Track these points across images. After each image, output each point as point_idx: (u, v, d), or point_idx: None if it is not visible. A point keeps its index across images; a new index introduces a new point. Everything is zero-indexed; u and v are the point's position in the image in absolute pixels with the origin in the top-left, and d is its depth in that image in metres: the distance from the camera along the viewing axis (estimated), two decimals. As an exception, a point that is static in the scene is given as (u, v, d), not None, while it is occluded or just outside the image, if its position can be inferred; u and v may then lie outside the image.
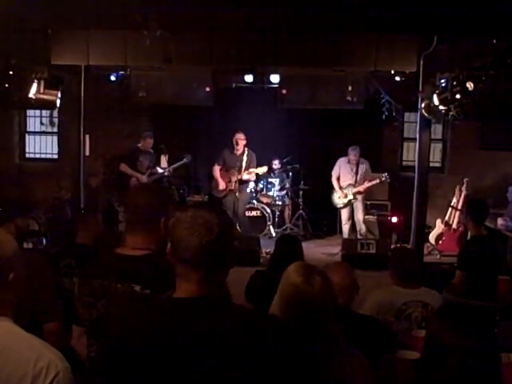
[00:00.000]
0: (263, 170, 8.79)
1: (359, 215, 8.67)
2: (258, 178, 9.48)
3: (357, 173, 8.63)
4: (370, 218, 9.02)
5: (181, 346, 1.50)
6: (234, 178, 8.62)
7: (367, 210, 8.96)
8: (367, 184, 8.58)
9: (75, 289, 2.31)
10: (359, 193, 8.63)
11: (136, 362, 1.52)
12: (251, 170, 8.65)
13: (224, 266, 1.64)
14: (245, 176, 8.63)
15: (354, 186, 8.60)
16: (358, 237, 8.50)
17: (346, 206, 8.71)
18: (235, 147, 8.64)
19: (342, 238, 8.58)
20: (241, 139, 8.60)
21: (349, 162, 8.66)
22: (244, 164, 8.62)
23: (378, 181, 8.59)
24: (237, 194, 8.63)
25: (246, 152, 8.67)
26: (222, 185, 8.67)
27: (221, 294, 1.62)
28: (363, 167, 8.67)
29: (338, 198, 8.72)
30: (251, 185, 9.25)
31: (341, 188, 8.68)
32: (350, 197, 8.63)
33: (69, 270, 3.94)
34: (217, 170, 8.74)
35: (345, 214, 8.78)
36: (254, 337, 1.52)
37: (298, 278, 2.29)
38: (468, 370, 1.76)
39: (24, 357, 1.51)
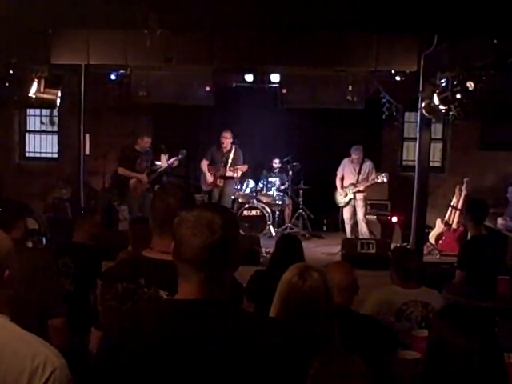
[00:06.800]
0: (243, 168, 9.02)
1: (359, 214, 8.71)
2: (258, 176, 9.54)
3: (359, 172, 8.69)
4: (371, 217, 9.05)
5: (178, 348, 1.48)
6: (218, 174, 8.92)
7: (368, 210, 8.97)
8: (366, 183, 8.62)
9: (97, 291, 2.22)
10: (359, 192, 8.65)
11: (132, 364, 1.50)
12: (238, 167, 8.91)
13: (227, 268, 1.61)
14: (229, 172, 8.89)
15: (355, 185, 8.64)
16: (359, 236, 8.51)
17: (346, 204, 8.78)
18: (221, 145, 8.89)
19: (342, 237, 8.58)
20: (226, 138, 8.86)
21: (352, 161, 8.74)
22: (230, 161, 8.89)
23: (376, 181, 8.60)
24: (223, 188, 8.90)
25: (234, 150, 8.85)
26: (209, 178, 8.96)
27: (222, 296, 1.59)
28: (366, 167, 8.71)
29: (340, 197, 8.82)
30: (251, 184, 9.41)
31: (343, 187, 8.76)
32: (350, 195, 8.68)
33: (67, 270, 3.96)
34: (204, 164, 9.02)
35: (347, 213, 8.86)
36: (254, 340, 1.50)
37: (291, 274, 2.35)
38: (472, 370, 1.76)
39: (21, 354, 1.49)
